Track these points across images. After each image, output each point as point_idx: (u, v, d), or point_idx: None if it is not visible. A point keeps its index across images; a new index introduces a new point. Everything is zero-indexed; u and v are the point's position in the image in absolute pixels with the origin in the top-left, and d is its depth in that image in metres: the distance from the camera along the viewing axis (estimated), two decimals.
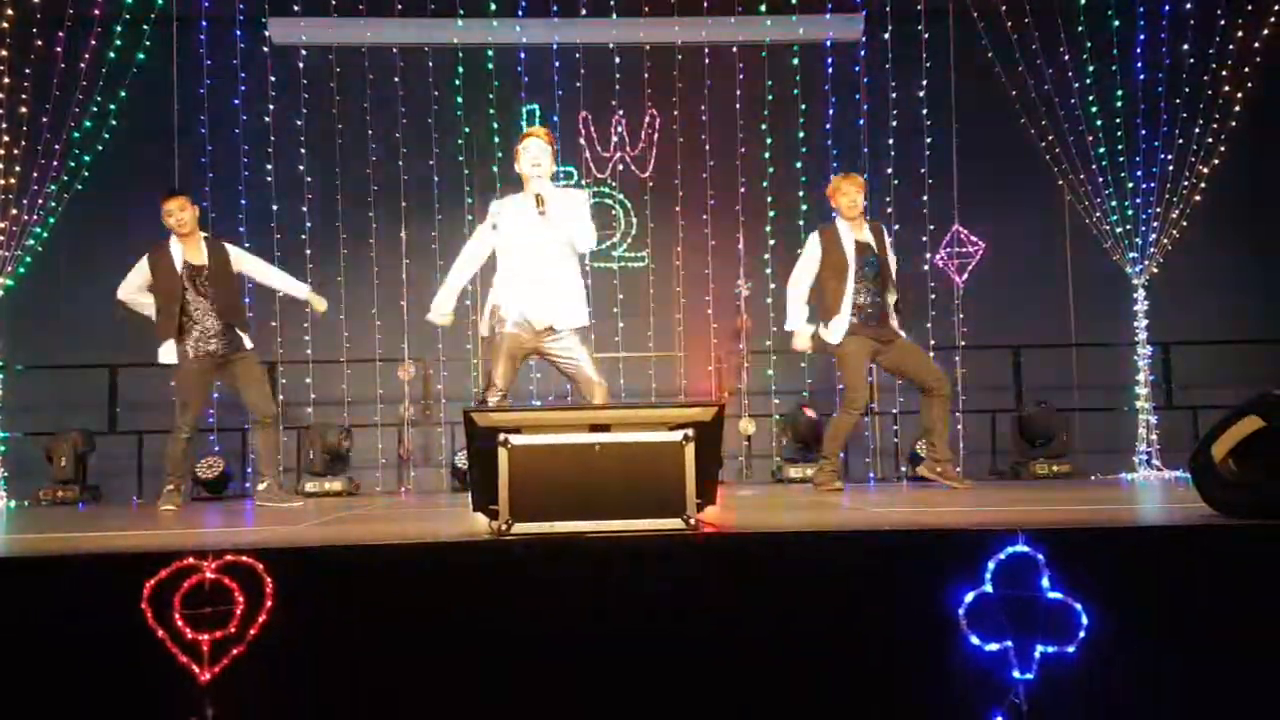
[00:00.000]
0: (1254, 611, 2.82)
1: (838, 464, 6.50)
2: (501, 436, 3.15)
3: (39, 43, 8.30)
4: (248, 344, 6.26)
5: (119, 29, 8.55)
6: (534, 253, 5.05)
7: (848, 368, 6.33)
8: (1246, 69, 8.69)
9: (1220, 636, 2.81)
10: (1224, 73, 8.70)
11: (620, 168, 9.64)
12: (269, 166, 9.15)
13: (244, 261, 6.36)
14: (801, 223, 9.41)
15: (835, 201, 6.46)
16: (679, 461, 3.16)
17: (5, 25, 8.27)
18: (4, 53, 8.24)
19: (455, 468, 8.55)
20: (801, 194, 9.43)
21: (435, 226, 9.32)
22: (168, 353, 6.13)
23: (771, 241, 9.44)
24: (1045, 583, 2.73)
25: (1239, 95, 8.69)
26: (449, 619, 2.82)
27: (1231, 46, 8.68)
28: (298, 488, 8.43)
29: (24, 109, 8.22)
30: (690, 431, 3.18)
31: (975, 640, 2.71)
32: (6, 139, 8.19)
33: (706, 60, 9.47)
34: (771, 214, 9.45)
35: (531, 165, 5.07)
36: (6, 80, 8.22)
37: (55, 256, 8.74)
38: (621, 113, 9.57)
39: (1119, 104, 8.91)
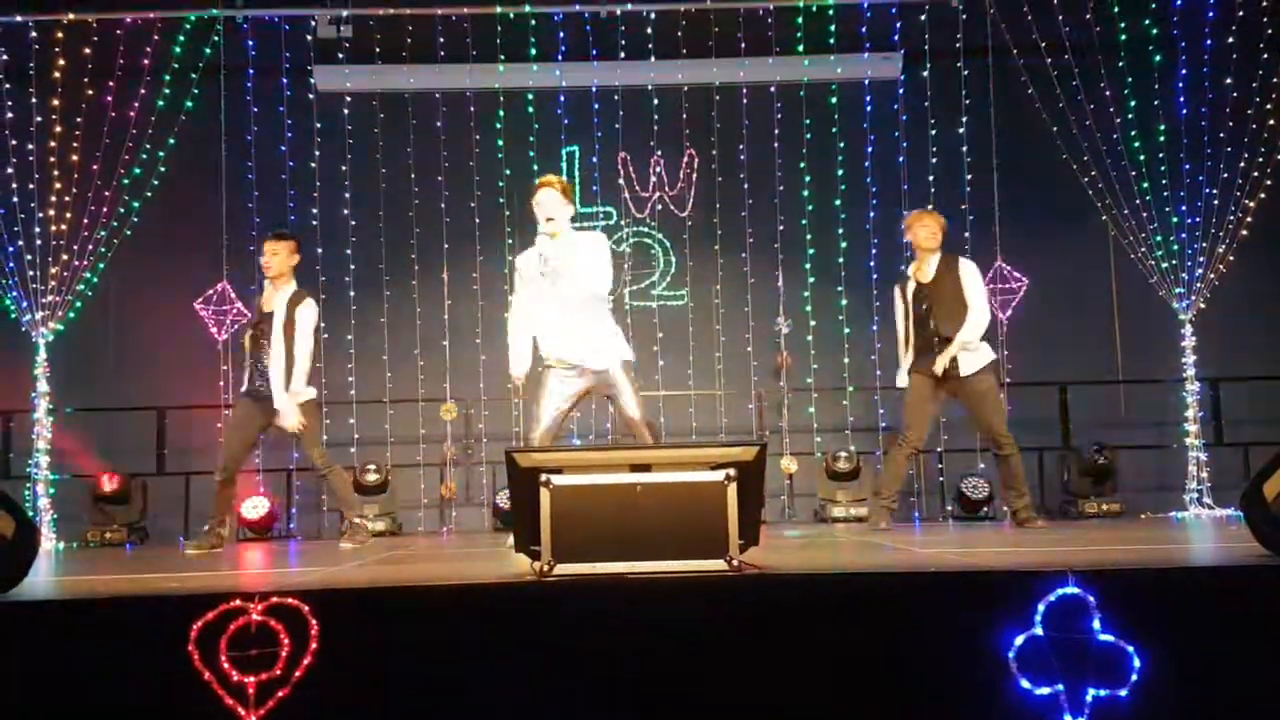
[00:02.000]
0: None
1: (889, 503, 6.48)
2: (543, 477, 3.15)
3: (90, 92, 8.51)
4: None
5: (167, 78, 8.75)
6: (554, 302, 5.19)
7: (905, 403, 6.45)
8: None
9: (1275, 679, 2.74)
10: (1267, 106, 8.61)
11: (659, 207, 9.70)
12: (314, 211, 9.28)
13: (298, 324, 6.18)
14: (841, 260, 9.41)
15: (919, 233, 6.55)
16: (721, 501, 3.15)
17: (57, 75, 8.50)
18: (56, 102, 8.46)
19: (497, 508, 8.56)
20: (840, 231, 9.42)
21: (476, 268, 9.39)
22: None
23: (811, 279, 9.43)
24: (1096, 625, 2.68)
25: None
26: (492, 660, 2.81)
27: (1275, 79, 8.59)
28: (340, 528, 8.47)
29: (75, 157, 8.42)
30: (732, 471, 3.17)
31: (1026, 684, 2.67)
32: (58, 186, 8.39)
33: (744, 100, 9.52)
34: (810, 251, 9.45)
35: (545, 219, 5.20)
36: (58, 129, 8.43)
37: (105, 301, 8.90)
38: (660, 153, 9.63)
39: (1162, 138, 8.83)
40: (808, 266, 9.45)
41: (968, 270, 6.45)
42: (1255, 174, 8.58)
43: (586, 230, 5.74)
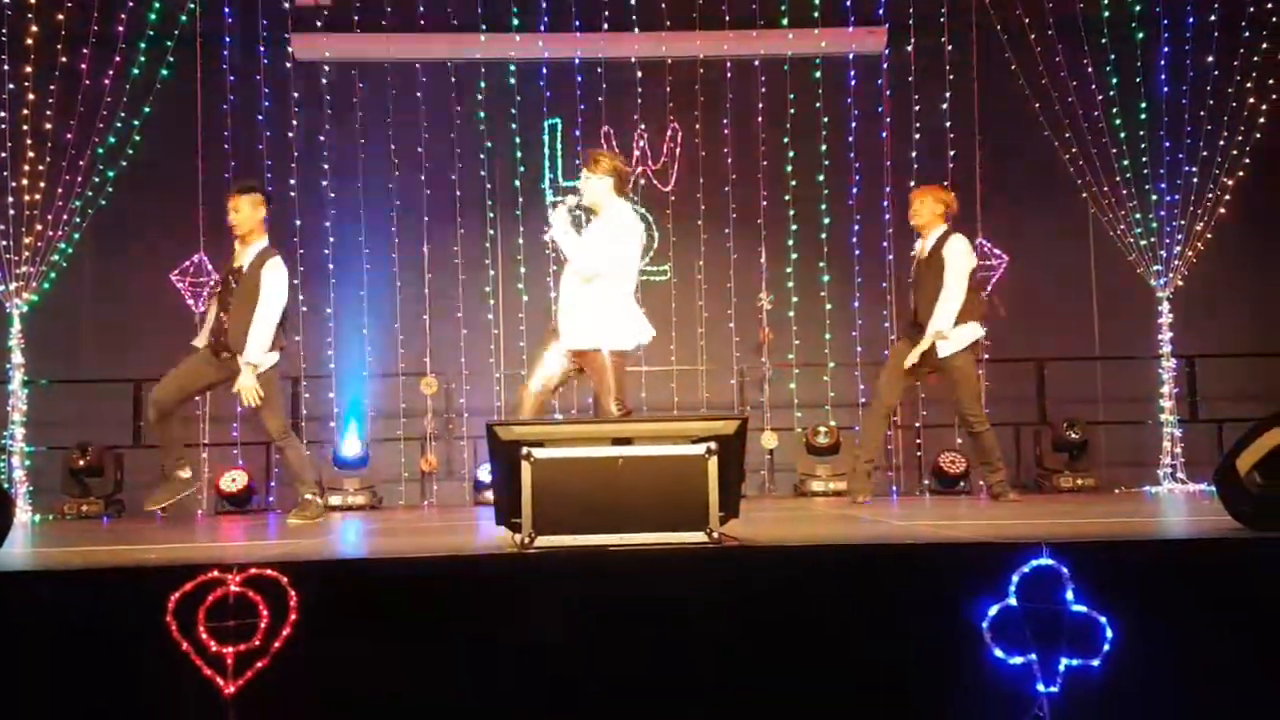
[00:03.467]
0: (1278, 625, 2.79)
1: (866, 468, 6.51)
2: (525, 450, 3.15)
3: (63, 59, 8.38)
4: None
5: (143, 46, 8.62)
6: (563, 270, 5.23)
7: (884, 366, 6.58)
8: (1270, 80, 8.64)
9: (1245, 650, 2.78)
10: (1248, 85, 8.65)
11: (642, 182, 9.64)
12: (292, 182, 9.20)
13: (264, 285, 5.85)
14: (824, 235, 9.40)
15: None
16: (702, 475, 3.16)
17: (30, 42, 8.36)
18: (29, 69, 8.33)
19: (478, 481, 8.56)
20: (824, 207, 9.42)
21: (457, 241, 9.35)
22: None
23: (794, 255, 9.43)
24: (1069, 595, 2.71)
25: (1263, 107, 8.64)
26: (472, 632, 2.82)
27: (1256, 58, 8.63)
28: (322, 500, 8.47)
29: (48, 125, 8.29)
30: (713, 444, 3.18)
31: (999, 653, 2.70)
32: (31, 155, 8.26)
33: (728, 74, 9.48)
34: (794, 227, 9.44)
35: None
36: (31, 97, 8.29)
37: (80, 272, 8.81)
38: (643, 127, 9.58)
39: (1142, 116, 8.87)
40: (790, 243, 9.45)
41: (952, 249, 6.26)
42: (1234, 153, 8.64)
43: (632, 209, 5.58)
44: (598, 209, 5.22)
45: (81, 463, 8.22)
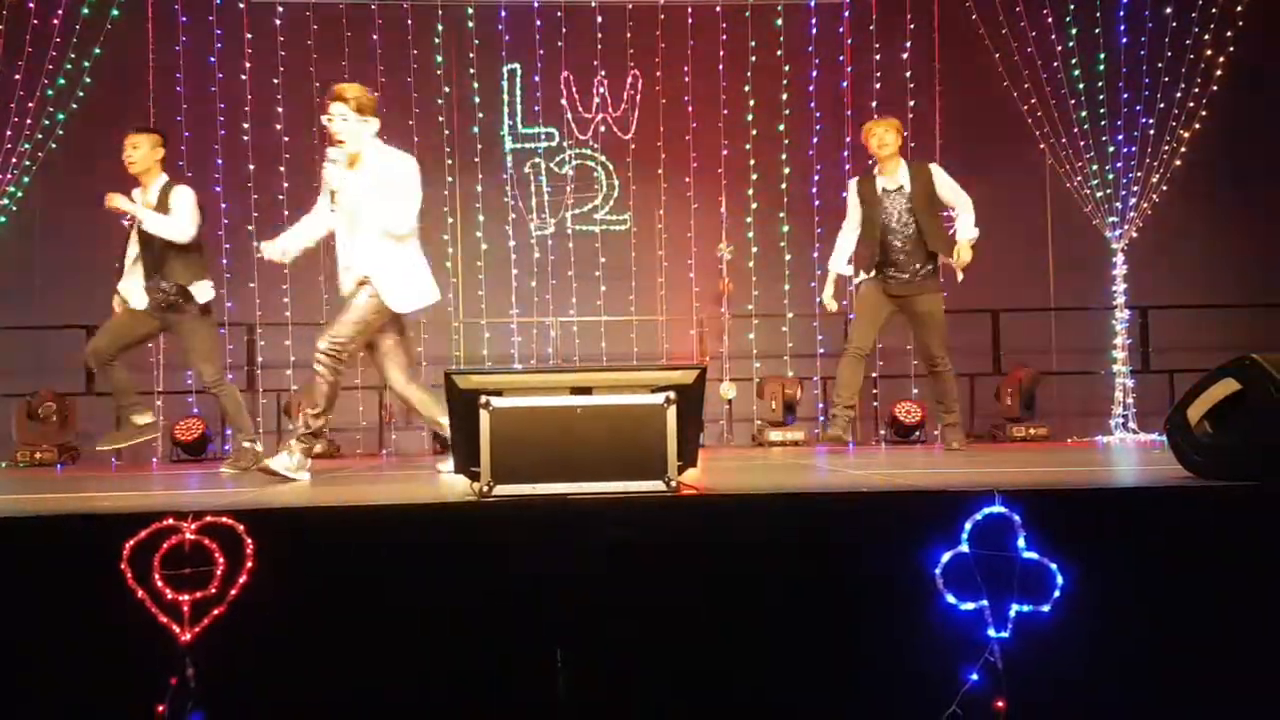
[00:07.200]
0: (1226, 572, 2.85)
1: (843, 413, 6.49)
2: (483, 399, 3.14)
3: None
4: (197, 300, 5.85)
5: None
6: (345, 220, 4.92)
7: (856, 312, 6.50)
8: (1228, 33, 8.70)
9: (1193, 596, 2.85)
10: (1206, 36, 8.70)
11: (602, 129, 9.57)
12: (245, 126, 9.04)
13: (174, 208, 5.86)
14: (784, 185, 9.40)
15: (867, 144, 6.41)
16: (660, 424, 3.16)
17: None
18: None
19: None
20: (784, 156, 9.40)
21: None
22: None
23: (754, 204, 9.42)
24: (1021, 543, 2.75)
25: (1220, 59, 8.71)
26: (430, 581, 2.82)
27: (1214, 10, 8.68)
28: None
29: None
30: (672, 394, 3.18)
31: (951, 599, 2.74)
32: None
33: (690, 20, 9.39)
34: (754, 176, 9.43)
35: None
36: None
37: (30, 216, 8.64)
38: (604, 73, 9.49)
39: (1101, 67, 8.90)
40: (751, 192, 9.43)
41: (941, 172, 6.52)
42: (1191, 104, 8.71)
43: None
44: (363, 154, 4.84)
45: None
